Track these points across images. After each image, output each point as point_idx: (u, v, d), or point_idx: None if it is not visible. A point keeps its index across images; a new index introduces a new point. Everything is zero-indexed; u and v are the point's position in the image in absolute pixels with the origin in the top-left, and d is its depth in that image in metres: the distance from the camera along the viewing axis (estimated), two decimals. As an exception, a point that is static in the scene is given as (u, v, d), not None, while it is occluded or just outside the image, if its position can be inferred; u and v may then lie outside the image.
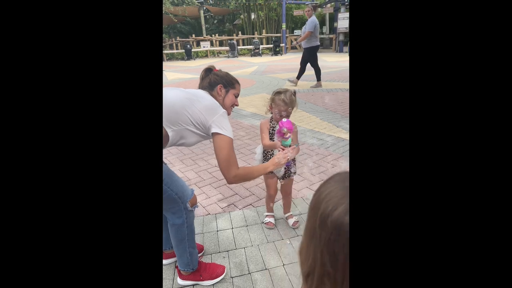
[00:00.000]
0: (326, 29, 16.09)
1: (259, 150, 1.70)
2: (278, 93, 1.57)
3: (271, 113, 1.62)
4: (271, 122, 1.64)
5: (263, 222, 1.87)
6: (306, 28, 5.72)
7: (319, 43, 5.98)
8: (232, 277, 1.45)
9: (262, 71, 8.66)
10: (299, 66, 6.13)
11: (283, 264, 1.52)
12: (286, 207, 1.88)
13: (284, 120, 1.46)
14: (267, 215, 1.88)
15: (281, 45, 14.70)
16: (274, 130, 1.60)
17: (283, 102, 1.53)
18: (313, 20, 5.69)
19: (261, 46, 14.81)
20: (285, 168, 1.65)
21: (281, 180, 1.75)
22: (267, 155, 1.67)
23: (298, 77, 6.21)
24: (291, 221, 1.84)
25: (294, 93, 1.58)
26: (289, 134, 1.47)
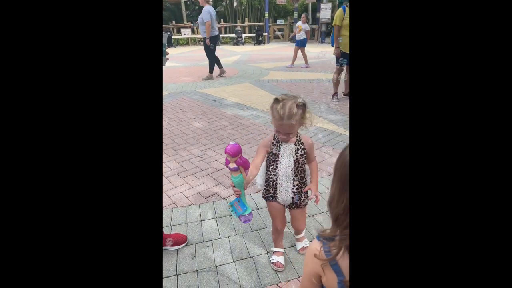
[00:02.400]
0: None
1: (259, 176, 1.32)
2: (276, 100, 1.10)
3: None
4: (274, 139, 1.23)
5: (271, 262, 1.44)
6: (203, 18, 5.34)
7: (218, 33, 5.66)
8: (216, 266, 1.46)
9: (245, 60, 8.56)
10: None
11: (267, 252, 1.54)
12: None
13: (232, 143, 1.05)
14: (274, 252, 1.46)
15: (264, 34, 14.54)
16: (279, 150, 1.23)
17: (277, 114, 1.08)
18: (208, 9, 5.35)
19: (243, 35, 14.59)
20: (292, 198, 1.27)
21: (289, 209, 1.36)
22: (269, 182, 1.29)
23: (211, 71, 5.96)
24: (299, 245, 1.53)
25: (303, 104, 1.09)
26: (234, 166, 1.03)
